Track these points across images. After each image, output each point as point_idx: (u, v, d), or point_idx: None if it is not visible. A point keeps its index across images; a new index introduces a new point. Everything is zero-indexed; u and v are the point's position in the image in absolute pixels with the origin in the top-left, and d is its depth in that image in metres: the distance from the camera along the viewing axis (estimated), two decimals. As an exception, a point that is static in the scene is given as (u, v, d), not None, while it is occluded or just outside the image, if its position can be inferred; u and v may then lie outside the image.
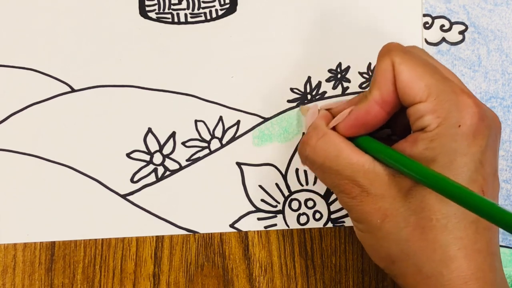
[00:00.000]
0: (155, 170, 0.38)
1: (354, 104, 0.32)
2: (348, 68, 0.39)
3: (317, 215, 0.38)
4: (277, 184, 0.38)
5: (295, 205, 0.38)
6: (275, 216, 0.38)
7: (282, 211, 0.38)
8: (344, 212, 0.38)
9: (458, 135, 0.29)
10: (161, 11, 0.39)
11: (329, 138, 0.32)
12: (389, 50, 0.30)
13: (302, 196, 0.38)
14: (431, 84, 0.29)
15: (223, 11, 0.39)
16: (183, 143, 0.38)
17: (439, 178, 0.27)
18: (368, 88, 0.32)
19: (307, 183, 0.38)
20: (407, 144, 0.30)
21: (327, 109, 0.34)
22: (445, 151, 0.29)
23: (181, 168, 0.38)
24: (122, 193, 0.38)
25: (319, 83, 0.39)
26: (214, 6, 0.39)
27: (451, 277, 0.28)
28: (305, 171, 0.38)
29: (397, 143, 0.31)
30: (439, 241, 0.28)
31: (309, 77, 0.39)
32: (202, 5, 0.39)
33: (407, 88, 0.30)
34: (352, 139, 0.32)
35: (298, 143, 0.36)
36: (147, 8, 0.39)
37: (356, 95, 0.34)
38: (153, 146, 0.38)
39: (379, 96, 0.30)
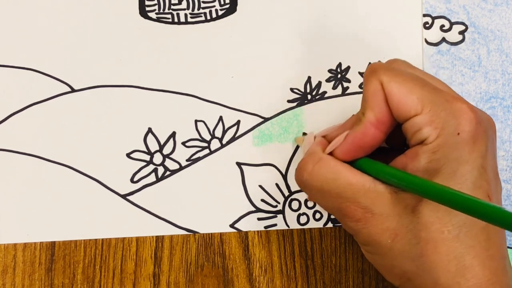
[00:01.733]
0: (155, 170, 0.38)
1: (348, 128, 0.32)
2: (348, 68, 0.39)
3: (317, 215, 0.38)
4: (277, 184, 0.38)
5: (295, 205, 0.38)
6: (275, 216, 0.38)
7: (282, 211, 0.38)
8: (344, 212, 0.38)
9: (459, 143, 0.28)
10: (161, 11, 0.39)
11: (325, 162, 0.31)
12: (374, 70, 0.30)
13: (302, 196, 0.38)
14: (423, 96, 0.29)
15: (223, 11, 0.39)
16: (183, 143, 0.38)
17: (447, 192, 0.26)
18: (360, 110, 0.31)
19: (307, 183, 0.38)
20: (408, 160, 0.30)
21: (323, 136, 0.34)
22: (447, 161, 0.28)
23: (181, 168, 0.38)
24: (122, 193, 0.38)
25: (319, 83, 0.39)
26: (214, 6, 0.39)
27: (468, 285, 0.28)
28: (305, 171, 0.38)
29: (396, 159, 0.31)
30: (453, 252, 0.28)
31: (309, 77, 0.39)
32: (202, 5, 0.39)
33: (400, 104, 0.29)
34: (351, 162, 0.31)
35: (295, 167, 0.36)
36: (147, 8, 0.39)
37: (349, 117, 0.34)
38: (153, 146, 0.38)
39: (373, 118, 0.30)
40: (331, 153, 0.32)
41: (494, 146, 0.31)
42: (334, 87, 0.39)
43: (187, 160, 0.38)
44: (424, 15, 0.39)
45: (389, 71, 0.30)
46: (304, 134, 0.38)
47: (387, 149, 0.34)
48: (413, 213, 0.29)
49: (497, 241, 0.29)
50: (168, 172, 0.38)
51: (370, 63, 0.39)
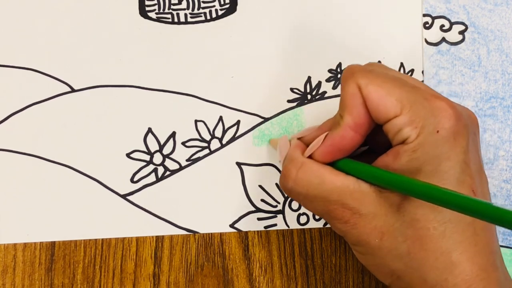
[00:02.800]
0: (155, 170, 0.38)
1: (325, 130, 0.32)
2: (348, 68, 0.39)
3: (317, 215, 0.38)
4: (277, 184, 0.38)
5: (295, 205, 0.38)
6: (275, 216, 0.38)
7: (282, 211, 0.38)
8: (344, 212, 0.38)
9: (439, 141, 0.29)
10: (161, 11, 0.39)
11: (308, 167, 0.31)
12: (352, 73, 0.30)
13: (302, 196, 0.38)
14: (401, 96, 0.29)
15: (223, 11, 0.39)
16: (183, 143, 0.38)
17: (429, 188, 0.26)
18: (338, 112, 0.31)
19: (307, 183, 0.38)
20: (389, 159, 0.30)
21: (298, 138, 0.34)
22: (429, 159, 0.28)
23: (181, 168, 0.38)
24: (122, 193, 0.38)
25: (319, 83, 0.39)
26: (214, 6, 0.39)
27: (456, 282, 0.28)
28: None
29: (378, 159, 0.31)
30: (440, 248, 0.28)
31: (309, 77, 0.39)
32: (202, 5, 0.39)
33: (379, 106, 0.29)
34: (331, 164, 0.31)
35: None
36: (147, 8, 0.39)
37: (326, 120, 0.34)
38: (153, 146, 0.38)
39: (351, 121, 0.30)
40: (310, 156, 0.32)
41: (476, 140, 0.31)
42: (334, 87, 0.39)
43: (187, 160, 0.38)
44: (424, 15, 0.39)
45: (367, 74, 0.30)
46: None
47: (370, 150, 0.33)
48: (398, 211, 0.29)
49: (485, 236, 0.29)
50: (168, 172, 0.38)
51: (369, 62, 0.39)
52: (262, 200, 0.38)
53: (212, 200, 0.38)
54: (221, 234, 0.38)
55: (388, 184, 0.29)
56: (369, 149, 0.33)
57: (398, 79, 0.30)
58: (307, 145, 0.32)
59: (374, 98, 0.29)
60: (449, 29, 0.39)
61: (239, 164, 0.38)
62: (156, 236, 0.37)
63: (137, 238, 0.37)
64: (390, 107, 0.29)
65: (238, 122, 0.38)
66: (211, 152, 0.38)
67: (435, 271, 0.28)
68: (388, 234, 0.29)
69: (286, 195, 0.38)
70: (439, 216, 0.28)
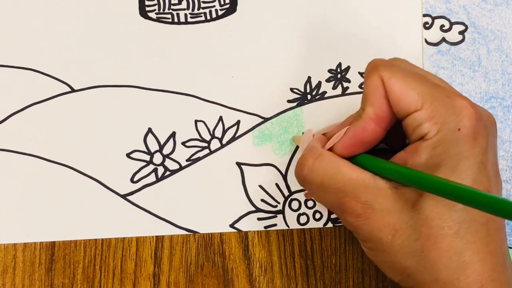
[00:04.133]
0: (155, 170, 0.38)
1: (347, 125, 0.32)
2: (348, 68, 0.39)
3: (317, 215, 0.38)
4: (277, 184, 0.38)
5: (295, 205, 0.38)
6: (275, 216, 0.38)
7: (282, 211, 0.38)
8: (344, 212, 0.38)
9: (460, 139, 0.29)
10: (161, 11, 0.39)
11: (326, 157, 0.31)
12: (375, 66, 0.30)
13: (302, 196, 0.38)
14: (423, 92, 0.29)
15: (223, 11, 0.39)
16: (183, 143, 0.38)
17: (449, 185, 0.26)
18: (360, 106, 0.31)
19: (307, 183, 0.38)
20: (408, 155, 0.30)
21: (322, 134, 0.34)
22: (448, 156, 0.28)
23: (181, 168, 0.38)
24: (122, 193, 0.38)
25: (319, 83, 0.39)
26: (214, 6, 0.39)
27: (468, 281, 0.28)
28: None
29: (396, 156, 0.31)
30: (453, 248, 0.28)
31: (309, 77, 0.39)
32: (202, 5, 0.39)
33: (400, 99, 0.29)
34: (350, 159, 0.32)
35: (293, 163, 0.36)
36: (147, 8, 0.39)
37: (350, 115, 0.34)
38: (153, 146, 0.38)
39: (373, 113, 0.30)
40: (330, 150, 0.32)
41: (494, 142, 0.31)
42: (334, 87, 0.39)
43: (187, 160, 0.38)
44: (424, 15, 0.39)
45: (390, 67, 0.30)
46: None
47: (387, 150, 0.34)
48: (413, 208, 0.29)
49: (497, 238, 0.29)
50: (168, 172, 0.38)
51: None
52: (262, 200, 0.38)
53: (212, 200, 0.38)
54: (221, 234, 0.38)
55: (406, 179, 0.29)
56: (384, 147, 0.33)
57: (421, 75, 0.30)
58: (329, 139, 0.33)
59: (396, 91, 0.30)
60: (449, 29, 0.39)
61: (239, 164, 0.38)
62: (156, 236, 0.37)
63: (137, 238, 0.37)
64: (411, 101, 0.29)
65: (238, 122, 0.38)
66: (211, 152, 0.38)
67: (448, 270, 0.28)
68: (402, 231, 0.29)
69: (286, 195, 0.38)
70: (454, 216, 0.28)
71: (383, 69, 0.30)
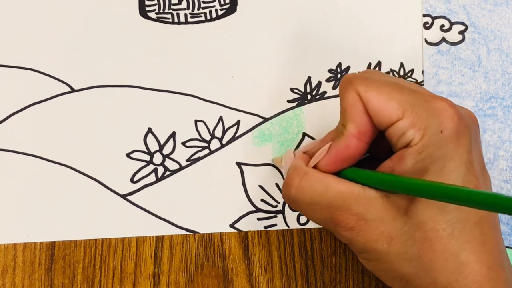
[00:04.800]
0: (155, 170, 0.38)
1: (328, 141, 0.32)
2: (348, 68, 0.39)
3: (317, 215, 0.38)
4: (277, 184, 0.38)
5: (295, 205, 0.38)
6: (275, 216, 0.38)
7: (282, 211, 0.38)
8: (344, 212, 0.38)
9: (443, 141, 0.29)
10: (161, 11, 0.39)
11: (312, 175, 0.31)
12: (350, 81, 0.30)
13: (302, 196, 0.38)
14: (402, 100, 0.29)
15: (223, 11, 0.39)
16: (183, 143, 0.38)
17: (441, 187, 0.26)
18: (340, 122, 0.31)
19: (307, 183, 0.38)
20: (394, 163, 0.30)
21: (304, 152, 0.34)
22: (434, 160, 0.28)
23: (181, 168, 0.38)
24: (122, 193, 0.38)
25: (319, 83, 0.39)
26: (214, 6, 0.39)
27: (466, 282, 0.28)
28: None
29: (382, 165, 0.30)
30: (449, 249, 0.28)
31: (309, 77, 0.39)
32: (202, 5, 0.39)
33: (380, 111, 0.29)
34: (336, 173, 0.31)
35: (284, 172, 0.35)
36: (147, 8, 0.39)
37: (329, 131, 0.34)
38: (153, 146, 0.38)
39: (355, 130, 0.30)
40: (314, 167, 0.32)
41: (477, 140, 0.31)
42: (334, 87, 0.39)
43: (187, 160, 0.38)
44: (424, 15, 0.39)
45: (365, 80, 0.30)
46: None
47: (372, 159, 0.33)
48: (406, 214, 0.29)
49: (492, 236, 0.29)
50: (168, 172, 0.38)
51: (370, 63, 0.39)
52: (262, 200, 0.38)
53: (212, 200, 0.38)
54: (221, 234, 0.38)
55: (396, 187, 0.29)
56: (369, 156, 0.33)
57: (396, 83, 0.30)
58: (311, 157, 0.32)
59: (375, 103, 0.29)
60: (449, 29, 0.39)
61: (239, 164, 0.38)
62: (156, 236, 0.37)
63: (137, 238, 0.37)
64: (392, 111, 0.29)
65: (238, 122, 0.38)
66: (211, 152, 0.38)
67: (445, 272, 0.28)
68: (397, 238, 0.29)
69: (286, 195, 0.38)
70: (447, 217, 0.28)
71: (358, 83, 0.30)
